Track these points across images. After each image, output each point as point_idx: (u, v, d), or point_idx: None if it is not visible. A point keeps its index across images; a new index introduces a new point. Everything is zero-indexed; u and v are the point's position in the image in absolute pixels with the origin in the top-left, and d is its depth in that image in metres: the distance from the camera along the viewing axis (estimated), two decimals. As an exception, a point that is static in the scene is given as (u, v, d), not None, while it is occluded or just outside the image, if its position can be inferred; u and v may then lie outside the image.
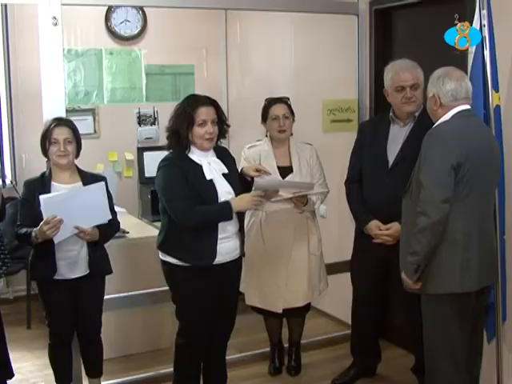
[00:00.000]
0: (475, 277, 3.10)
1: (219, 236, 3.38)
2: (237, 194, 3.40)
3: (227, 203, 3.33)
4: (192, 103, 3.36)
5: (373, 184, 3.79)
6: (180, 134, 3.35)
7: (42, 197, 3.31)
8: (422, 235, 3.01)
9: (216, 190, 3.36)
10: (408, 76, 3.66)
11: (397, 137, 3.75)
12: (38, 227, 3.30)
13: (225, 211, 3.33)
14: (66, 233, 3.35)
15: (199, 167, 3.38)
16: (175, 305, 3.55)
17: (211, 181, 3.37)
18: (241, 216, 3.54)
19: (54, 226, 3.27)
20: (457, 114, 3.10)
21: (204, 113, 3.33)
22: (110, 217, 3.53)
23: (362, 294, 4.05)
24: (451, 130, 3.06)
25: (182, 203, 3.31)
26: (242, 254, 3.60)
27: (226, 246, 3.43)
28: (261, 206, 3.61)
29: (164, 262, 3.49)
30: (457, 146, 2.99)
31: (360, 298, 4.07)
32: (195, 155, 3.41)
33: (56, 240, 3.35)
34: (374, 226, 3.76)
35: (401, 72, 3.69)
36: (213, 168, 3.41)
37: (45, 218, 3.28)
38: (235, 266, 3.55)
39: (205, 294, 3.42)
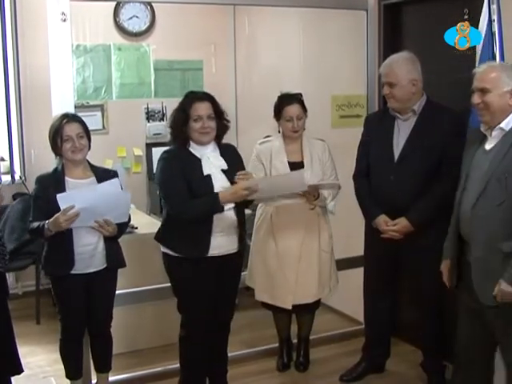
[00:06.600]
0: None
1: (215, 229, 3.44)
2: None
3: (216, 194, 3.39)
4: (188, 100, 3.50)
5: (379, 179, 3.77)
6: (178, 129, 3.48)
7: (59, 196, 3.30)
8: None
9: (212, 186, 3.43)
10: (384, 73, 3.72)
11: (402, 131, 3.73)
12: (53, 218, 3.29)
13: (215, 203, 3.38)
14: (85, 223, 3.36)
15: (198, 161, 3.47)
16: (176, 297, 3.63)
17: (208, 176, 3.45)
18: (241, 211, 3.58)
19: (70, 219, 3.28)
20: None
21: (199, 108, 3.45)
22: (128, 216, 3.55)
23: (372, 290, 4.04)
24: None
25: (177, 198, 3.43)
26: (242, 249, 3.64)
27: (222, 240, 3.48)
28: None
29: (164, 254, 3.58)
30: None
31: (371, 293, 4.07)
32: (194, 149, 3.51)
33: (72, 225, 3.34)
34: (382, 221, 3.73)
35: (381, 68, 3.78)
36: (211, 163, 3.48)
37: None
38: (232, 259, 3.57)
39: (202, 285, 3.49)
